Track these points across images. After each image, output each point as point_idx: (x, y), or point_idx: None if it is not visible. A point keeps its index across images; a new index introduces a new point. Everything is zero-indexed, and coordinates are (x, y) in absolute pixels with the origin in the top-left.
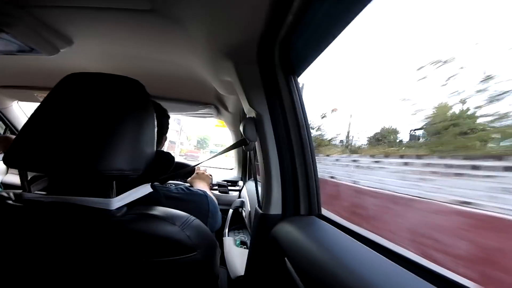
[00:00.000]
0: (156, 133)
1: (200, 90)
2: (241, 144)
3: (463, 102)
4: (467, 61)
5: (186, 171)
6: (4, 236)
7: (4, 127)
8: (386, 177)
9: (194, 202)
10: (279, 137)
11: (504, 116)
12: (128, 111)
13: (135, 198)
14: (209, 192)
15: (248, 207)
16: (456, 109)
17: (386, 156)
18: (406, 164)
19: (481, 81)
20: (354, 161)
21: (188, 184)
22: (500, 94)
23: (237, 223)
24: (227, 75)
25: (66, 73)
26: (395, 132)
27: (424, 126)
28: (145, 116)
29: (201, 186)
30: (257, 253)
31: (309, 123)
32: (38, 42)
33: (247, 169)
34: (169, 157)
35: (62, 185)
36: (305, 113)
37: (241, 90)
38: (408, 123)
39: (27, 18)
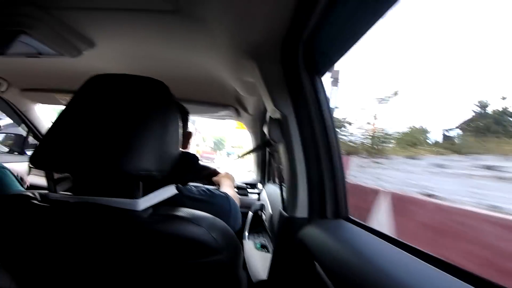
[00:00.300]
0: (181, 133)
1: (220, 92)
2: (265, 145)
3: None
4: None
5: (208, 172)
6: (32, 235)
7: (27, 129)
8: None
9: (217, 204)
10: (305, 138)
11: None
12: (154, 112)
13: (162, 200)
14: (233, 193)
15: (269, 210)
16: None
17: None
18: None
19: None
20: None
21: (209, 186)
22: None
23: (257, 227)
24: (250, 75)
25: (88, 75)
26: None
27: None
28: (171, 117)
29: (227, 185)
30: (282, 256)
31: (334, 124)
32: (60, 44)
33: (265, 172)
34: (193, 158)
35: (88, 186)
36: (332, 114)
37: (264, 90)
38: None
39: (48, 20)
